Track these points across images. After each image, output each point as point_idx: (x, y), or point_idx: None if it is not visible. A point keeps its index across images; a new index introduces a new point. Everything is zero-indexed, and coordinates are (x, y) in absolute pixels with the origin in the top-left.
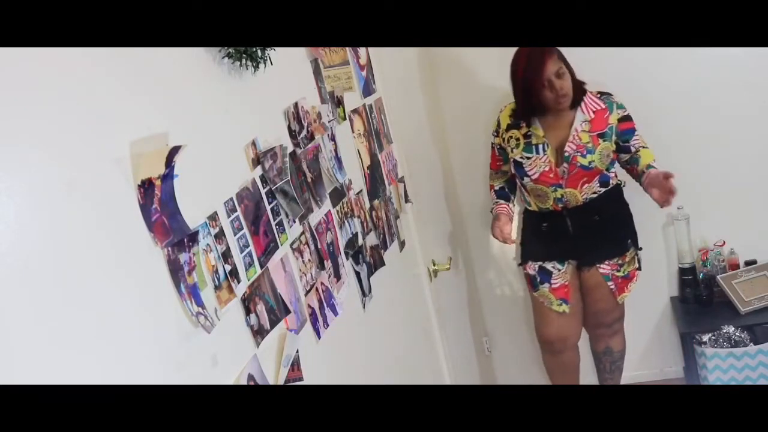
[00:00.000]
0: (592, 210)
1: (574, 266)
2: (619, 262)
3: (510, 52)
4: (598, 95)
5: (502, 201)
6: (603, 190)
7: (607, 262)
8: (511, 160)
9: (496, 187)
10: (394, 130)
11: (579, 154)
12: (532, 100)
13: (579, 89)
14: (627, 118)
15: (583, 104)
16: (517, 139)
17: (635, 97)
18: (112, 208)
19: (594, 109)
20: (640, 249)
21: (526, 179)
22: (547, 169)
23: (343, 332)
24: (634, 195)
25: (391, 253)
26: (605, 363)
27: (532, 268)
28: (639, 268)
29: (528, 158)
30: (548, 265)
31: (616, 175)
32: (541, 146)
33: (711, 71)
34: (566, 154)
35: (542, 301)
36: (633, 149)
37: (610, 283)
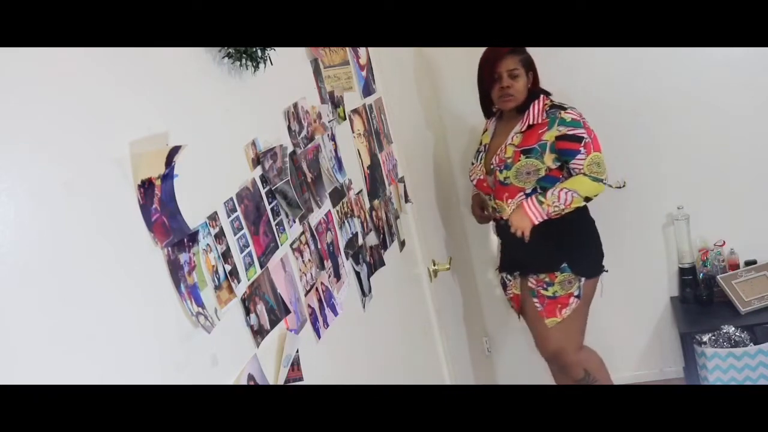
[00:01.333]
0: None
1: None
2: (546, 279)
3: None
4: (549, 107)
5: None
6: None
7: (532, 277)
8: None
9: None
10: (394, 130)
11: (498, 168)
12: (482, 92)
13: (533, 99)
14: (570, 138)
15: (526, 113)
16: (480, 143)
17: (635, 97)
18: (112, 208)
19: (531, 123)
20: (586, 277)
21: (472, 185)
22: (481, 177)
23: (343, 332)
24: (634, 195)
25: (391, 253)
26: None
27: (498, 277)
28: (578, 296)
29: (472, 163)
30: (503, 274)
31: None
32: (481, 153)
33: (711, 71)
34: (491, 166)
35: (511, 305)
36: (574, 173)
37: (535, 300)
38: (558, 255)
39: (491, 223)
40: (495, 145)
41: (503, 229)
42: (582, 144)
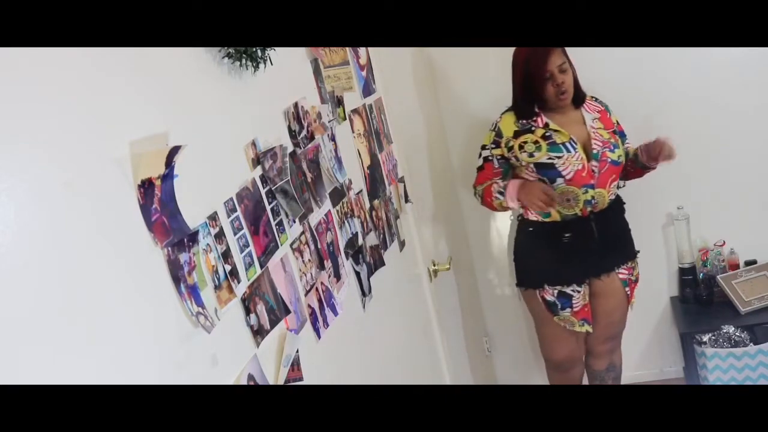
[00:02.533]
0: (610, 212)
1: (588, 282)
2: (632, 265)
3: (510, 51)
4: (592, 98)
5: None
6: (617, 191)
7: (623, 266)
8: (529, 166)
9: (501, 186)
10: (394, 130)
11: (607, 149)
12: (532, 94)
13: (580, 89)
14: (618, 122)
15: (585, 105)
16: (536, 142)
17: (635, 97)
18: (112, 208)
19: (597, 110)
20: (638, 252)
21: (559, 181)
22: (580, 167)
23: (343, 332)
24: (633, 195)
25: (391, 253)
26: (608, 380)
27: (550, 293)
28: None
29: (558, 158)
30: (567, 289)
31: None
32: (569, 144)
33: (711, 71)
34: (594, 151)
35: (563, 324)
36: (627, 150)
37: (627, 289)
38: (631, 238)
39: (532, 185)
40: (579, 134)
41: (595, 222)
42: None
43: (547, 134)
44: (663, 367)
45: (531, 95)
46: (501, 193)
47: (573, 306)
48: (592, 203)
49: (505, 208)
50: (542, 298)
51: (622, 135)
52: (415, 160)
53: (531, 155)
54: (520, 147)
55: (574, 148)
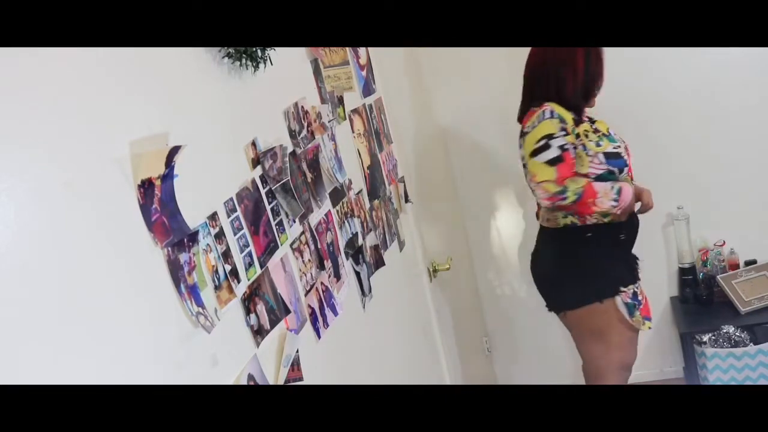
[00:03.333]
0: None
1: None
2: None
3: (510, 51)
4: None
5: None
6: None
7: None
8: (597, 156)
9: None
10: (394, 130)
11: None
12: (591, 91)
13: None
14: None
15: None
16: (595, 132)
17: (635, 97)
18: (112, 208)
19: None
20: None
21: (625, 171)
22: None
23: (343, 332)
24: None
25: (391, 253)
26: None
27: (628, 295)
28: None
29: (618, 147)
30: (636, 287)
31: None
32: (614, 136)
33: (711, 71)
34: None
35: (635, 325)
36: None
37: None
38: None
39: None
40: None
41: (631, 231)
42: None
43: (595, 126)
44: (663, 367)
45: (589, 92)
46: (615, 200)
47: (639, 302)
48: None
49: (603, 214)
50: (622, 302)
51: None
52: (415, 160)
53: (598, 144)
54: (586, 135)
55: (622, 141)
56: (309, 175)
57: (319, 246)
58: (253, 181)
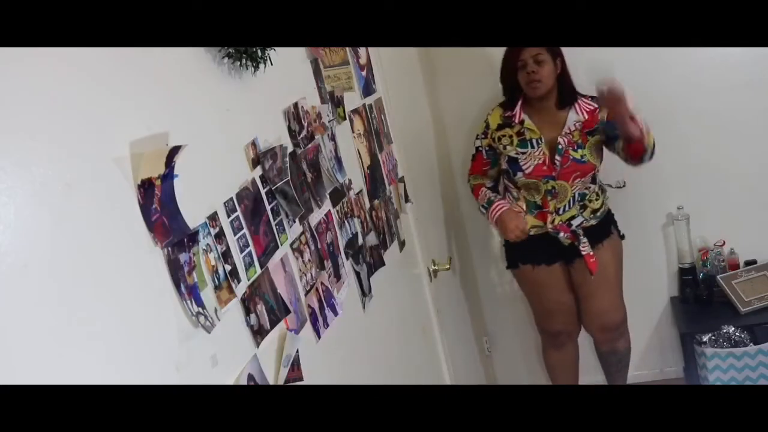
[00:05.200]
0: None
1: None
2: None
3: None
4: (590, 98)
5: (497, 196)
6: (592, 186)
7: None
8: (504, 157)
9: (488, 185)
10: (394, 130)
11: (570, 148)
12: (509, 80)
13: (569, 90)
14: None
15: (576, 106)
16: (510, 137)
17: (635, 97)
18: (112, 208)
19: (587, 110)
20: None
21: (519, 174)
22: (540, 161)
23: (343, 332)
24: (633, 196)
25: (391, 253)
26: (612, 362)
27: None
28: None
29: (523, 153)
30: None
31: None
32: (535, 141)
33: (711, 71)
34: (559, 147)
35: None
36: (619, 136)
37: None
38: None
39: (511, 216)
40: (550, 134)
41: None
42: None
43: (521, 131)
44: (663, 367)
45: (509, 82)
46: (485, 207)
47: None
48: (552, 193)
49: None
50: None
51: (607, 124)
52: (415, 160)
53: (505, 148)
54: (499, 139)
55: (538, 145)
56: (309, 175)
57: (319, 246)
58: (253, 181)
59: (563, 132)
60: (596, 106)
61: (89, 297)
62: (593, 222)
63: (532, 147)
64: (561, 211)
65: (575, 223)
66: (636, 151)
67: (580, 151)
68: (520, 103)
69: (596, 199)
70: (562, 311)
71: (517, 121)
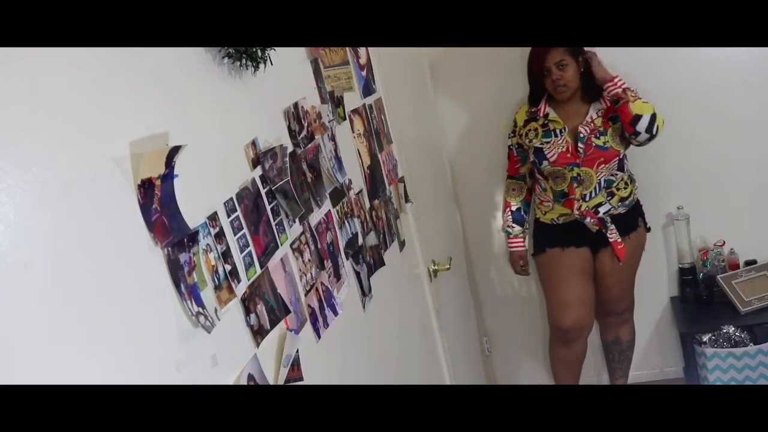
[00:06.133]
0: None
1: None
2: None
3: (510, 51)
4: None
5: (517, 227)
6: (620, 173)
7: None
8: (531, 149)
9: (513, 207)
10: (394, 130)
11: (593, 135)
12: (535, 85)
13: (594, 86)
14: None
15: (603, 97)
16: (536, 130)
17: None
18: (112, 208)
19: (608, 97)
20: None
21: (544, 163)
22: (564, 149)
23: (343, 332)
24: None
25: (391, 253)
26: (614, 352)
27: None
28: None
29: (547, 143)
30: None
31: None
32: (558, 131)
33: (711, 71)
34: (581, 135)
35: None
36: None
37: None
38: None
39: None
40: (574, 123)
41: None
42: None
43: (545, 123)
44: (663, 367)
45: (534, 87)
46: (506, 233)
47: None
48: (578, 180)
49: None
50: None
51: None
52: (415, 160)
53: (531, 141)
54: (526, 135)
55: (561, 134)
56: (309, 175)
57: (319, 246)
58: (253, 181)
59: (585, 121)
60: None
61: (89, 297)
62: (621, 210)
63: (556, 136)
64: (588, 198)
65: (602, 210)
66: (625, 115)
67: (602, 137)
68: (545, 98)
69: (624, 188)
70: (579, 301)
71: (542, 114)
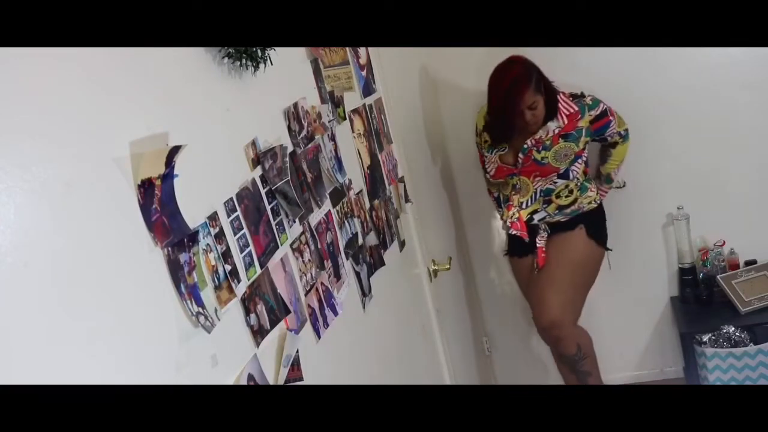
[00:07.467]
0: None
1: None
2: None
3: (510, 51)
4: (571, 98)
5: (500, 211)
6: (561, 182)
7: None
8: (480, 155)
9: (495, 195)
10: (394, 130)
11: (535, 148)
12: (504, 127)
13: (552, 107)
14: (599, 117)
15: (557, 116)
16: (486, 141)
17: (634, 97)
18: (112, 208)
19: (567, 113)
20: None
21: (487, 175)
22: (499, 165)
23: (343, 332)
24: (633, 195)
25: (391, 253)
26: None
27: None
28: None
29: (485, 157)
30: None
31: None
32: (502, 147)
33: (710, 71)
34: (525, 147)
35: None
36: (609, 140)
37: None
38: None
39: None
40: (522, 140)
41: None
42: (609, 114)
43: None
44: (663, 367)
45: (503, 128)
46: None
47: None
48: (516, 187)
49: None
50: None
51: (598, 131)
52: (415, 160)
53: (481, 148)
54: (483, 140)
55: (505, 150)
56: (309, 175)
57: (319, 246)
58: (253, 181)
59: (535, 137)
60: (577, 109)
61: (89, 297)
62: (559, 218)
63: (501, 151)
64: (525, 205)
65: (537, 217)
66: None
67: (543, 152)
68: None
69: (566, 196)
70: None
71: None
